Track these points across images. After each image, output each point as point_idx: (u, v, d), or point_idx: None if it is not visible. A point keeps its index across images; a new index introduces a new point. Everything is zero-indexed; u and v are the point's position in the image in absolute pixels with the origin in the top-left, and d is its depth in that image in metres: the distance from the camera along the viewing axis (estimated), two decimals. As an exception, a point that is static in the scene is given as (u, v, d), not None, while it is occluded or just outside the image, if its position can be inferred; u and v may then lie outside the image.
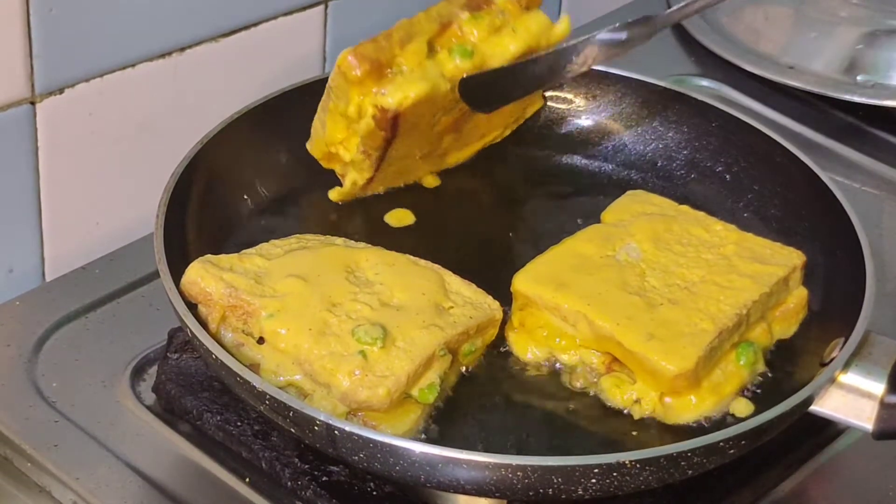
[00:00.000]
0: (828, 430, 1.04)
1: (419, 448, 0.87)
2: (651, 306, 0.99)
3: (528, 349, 1.02)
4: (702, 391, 0.98)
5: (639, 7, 1.56)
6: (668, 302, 0.99)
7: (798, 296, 1.05)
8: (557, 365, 1.01)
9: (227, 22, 1.22)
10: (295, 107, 1.16)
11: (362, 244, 1.04)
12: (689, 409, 0.98)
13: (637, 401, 0.98)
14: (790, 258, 1.04)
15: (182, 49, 1.19)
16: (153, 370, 1.06)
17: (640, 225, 1.06)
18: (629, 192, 1.12)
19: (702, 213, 1.09)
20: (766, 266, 1.03)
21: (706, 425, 0.97)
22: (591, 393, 1.00)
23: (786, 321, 1.04)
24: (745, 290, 1.01)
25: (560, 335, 1.01)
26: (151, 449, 1.00)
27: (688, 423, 0.97)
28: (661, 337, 0.97)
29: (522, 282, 1.02)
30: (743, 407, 0.98)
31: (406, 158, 1.13)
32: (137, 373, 1.06)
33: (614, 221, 1.08)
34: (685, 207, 1.09)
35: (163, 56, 1.18)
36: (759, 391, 1.00)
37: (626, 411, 0.98)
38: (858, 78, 1.39)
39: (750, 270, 1.02)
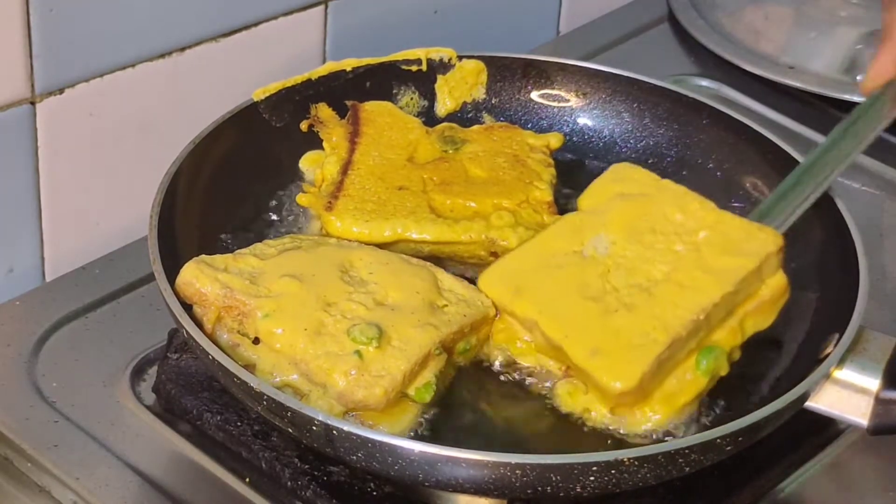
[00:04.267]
0: (828, 429, 1.04)
1: (418, 447, 0.87)
2: (605, 313, 0.97)
3: (494, 352, 1.01)
4: (653, 403, 0.96)
5: (639, 7, 1.57)
6: (624, 308, 0.97)
7: (774, 285, 1.01)
8: (516, 374, 1.01)
9: (227, 22, 1.22)
10: (290, 105, 1.16)
11: (356, 243, 1.04)
12: (640, 421, 0.96)
13: (587, 410, 0.97)
14: (765, 244, 1.00)
15: (182, 49, 1.19)
16: (153, 370, 1.06)
17: (614, 213, 1.03)
18: (613, 167, 1.08)
19: (682, 189, 1.05)
20: (735, 258, 0.99)
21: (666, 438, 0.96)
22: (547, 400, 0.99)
23: (761, 313, 1.01)
24: (706, 291, 0.97)
25: (520, 339, 1.00)
26: (151, 449, 1.00)
27: (641, 435, 0.96)
28: (606, 351, 0.94)
29: (485, 283, 1.01)
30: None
31: (385, 180, 1.12)
32: (137, 373, 1.07)
33: (590, 207, 1.05)
34: (666, 182, 1.06)
35: (163, 56, 1.18)
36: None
37: (578, 420, 0.97)
38: (858, 78, 1.39)
39: (718, 264, 0.99)
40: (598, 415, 0.97)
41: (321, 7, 1.29)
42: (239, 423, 1.00)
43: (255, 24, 1.24)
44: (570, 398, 0.98)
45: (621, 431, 0.96)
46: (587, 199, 1.06)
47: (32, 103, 1.11)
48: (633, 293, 0.98)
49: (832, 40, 1.44)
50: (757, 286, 1.00)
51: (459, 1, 1.42)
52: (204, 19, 1.20)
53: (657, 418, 0.96)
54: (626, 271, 1.00)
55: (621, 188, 1.06)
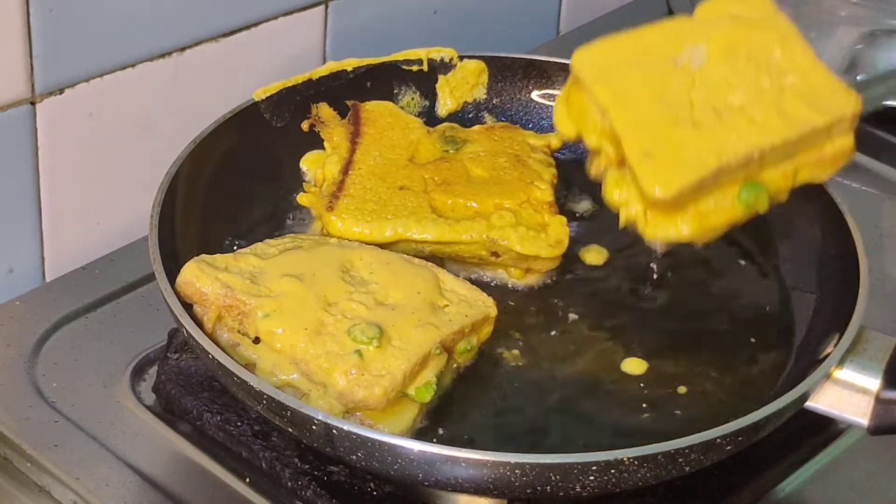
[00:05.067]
0: (828, 429, 1.04)
1: (417, 446, 0.87)
2: (672, 122, 1.00)
3: (562, 122, 1.05)
4: (686, 215, 0.99)
5: (639, 7, 1.57)
6: (691, 123, 1.00)
7: (840, 144, 1.03)
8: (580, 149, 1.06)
9: (227, 22, 1.22)
10: (291, 105, 1.16)
11: (356, 243, 1.04)
12: (667, 228, 1.00)
13: (626, 204, 1.01)
14: (844, 105, 1.02)
15: (182, 49, 1.19)
16: (153, 370, 1.06)
17: (720, 30, 1.05)
18: None
19: (792, 29, 1.06)
20: (811, 110, 1.01)
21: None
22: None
23: (819, 167, 1.03)
24: (770, 132, 1.00)
25: (590, 118, 1.03)
26: (151, 449, 1.00)
27: (663, 241, 1.01)
28: (657, 157, 0.98)
29: (577, 58, 1.04)
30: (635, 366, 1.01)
31: (386, 180, 1.12)
32: (137, 373, 1.07)
33: (704, 17, 1.07)
34: (781, 16, 1.07)
35: (163, 56, 1.18)
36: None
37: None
38: (858, 78, 1.39)
39: (792, 110, 1.01)
40: (635, 211, 1.01)
41: (321, 7, 1.29)
42: (239, 424, 1.00)
43: (255, 24, 1.24)
44: (614, 186, 1.02)
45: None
46: (704, 9, 1.08)
47: (32, 103, 1.11)
48: (706, 112, 1.00)
49: (832, 40, 1.44)
50: (823, 141, 1.02)
51: (459, 1, 1.42)
52: (204, 19, 1.20)
53: (685, 231, 1.00)
54: (709, 89, 1.02)
55: (738, 9, 1.07)
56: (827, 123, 1.01)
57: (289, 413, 0.89)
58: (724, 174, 0.99)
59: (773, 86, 1.03)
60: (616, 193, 1.02)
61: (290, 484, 0.97)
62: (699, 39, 1.05)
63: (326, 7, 1.29)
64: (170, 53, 1.18)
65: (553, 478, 0.87)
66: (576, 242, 1.12)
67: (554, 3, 1.54)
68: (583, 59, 1.04)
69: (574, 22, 1.56)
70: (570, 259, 1.11)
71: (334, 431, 0.88)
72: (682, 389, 1.01)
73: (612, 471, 0.87)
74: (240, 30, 1.23)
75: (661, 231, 1.00)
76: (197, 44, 1.20)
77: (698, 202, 0.99)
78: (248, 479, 0.98)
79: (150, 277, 1.12)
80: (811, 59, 1.05)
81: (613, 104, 1.01)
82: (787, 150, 1.01)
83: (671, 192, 0.97)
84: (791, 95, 1.02)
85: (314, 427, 0.89)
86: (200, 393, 1.02)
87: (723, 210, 1.00)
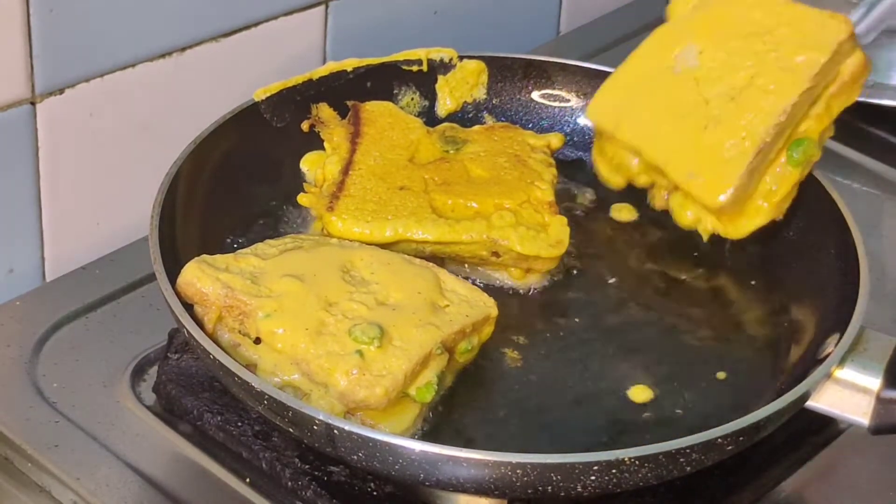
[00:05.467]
0: (828, 429, 1.04)
1: (419, 447, 0.87)
2: (697, 130, 1.04)
3: (608, 174, 1.13)
4: (755, 202, 1.05)
5: (639, 7, 1.56)
6: (713, 121, 1.04)
7: (853, 63, 1.06)
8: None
9: (227, 22, 1.22)
10: (291, 105, 1.16)
11: (357, 243, 1.04)
12: (746, 223, 1.07)
13: (699, 220, 1.08)
14: (836, 31, 1.04)
15: (182, 49, 1.19)
16: (153, 370, 1.06)
17: (698, 21, 1.09)
18: None
19: None
20: (810, 51, 1.04)
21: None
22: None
23: (845, 93, 1.07)
24: (785, 91, 1.03)
25: (630, 161, 1.10)
26: (151, 449, 1.00)
27: (749, 233, 1.07)
28: (701, 171, 1.03)
29: (591, 113, 1.11)
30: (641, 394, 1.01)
31: (386, 181, 1.12)
32: (137, 373, 1.06)
33: (677, 17, 1.11)
34: None
35: (163, 56, 1.18)
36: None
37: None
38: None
39: (795, 62, 1.04)
40: (711, 224, 1.08)
41: (321, 7, 1.29)
42: (239, 424, 1.00)
43: (255, 24, 1.24)
44: (682, 210, 1.09)
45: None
46: (673, 8, 1.12)
47: (32, 103, 1.11)
48: (721, 103, 1.05)
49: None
50: (836, 70, 1.05)
51: (459, 1, 1.42)
52: (204, 19, 1.20)
53: (762, 217, 1.07)
54: (714, 80, 1.06)
55: None
56: (829, 56, 1.04)
57: (290, 413, 0.89)
58: (766, 151, 1.02)
59: (769, 47, 1.06)
60: (687, 215, 1.08)
61: (290, 484, 0.97)
62: (684, 40, 1.08)
63: (326, 7, 1.29)
64: (170, 53, 1.18)
65: (554, 478, 0.87)
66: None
67: (554, 3, 1.54)
68: (596, 112, 1.10)
69: (574, 22, 1.56)
70: (569, 258, 1.11)
71: (336, 432, 0.88)
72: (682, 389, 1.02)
73: (614, 471, 0.87)
74: (240, 30, 1.23)
75: (743, 228, 1.07)
76: (197, 44, 1.20)
77: (759, 185, 1.04)
78: (248, 480, 0.98)
79: (151, 277, 1.12)
80: (788, 4, 1.08)
81: (641, 143, 1.07)
82: (809, 99, 1.04)
83: (728, 196, 1.03)
84: (787, 48, 1.05)
85: (315, 427, 0.89)
86: (201, 393, 1.02)
87: (784, 179, 1.05)
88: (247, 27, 1.23)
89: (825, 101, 1.06)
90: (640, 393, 1.01)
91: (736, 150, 1.03)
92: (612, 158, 1.12)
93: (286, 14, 1.26)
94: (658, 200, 1.11)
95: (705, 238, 1.09)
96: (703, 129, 1.04)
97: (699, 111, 1.05)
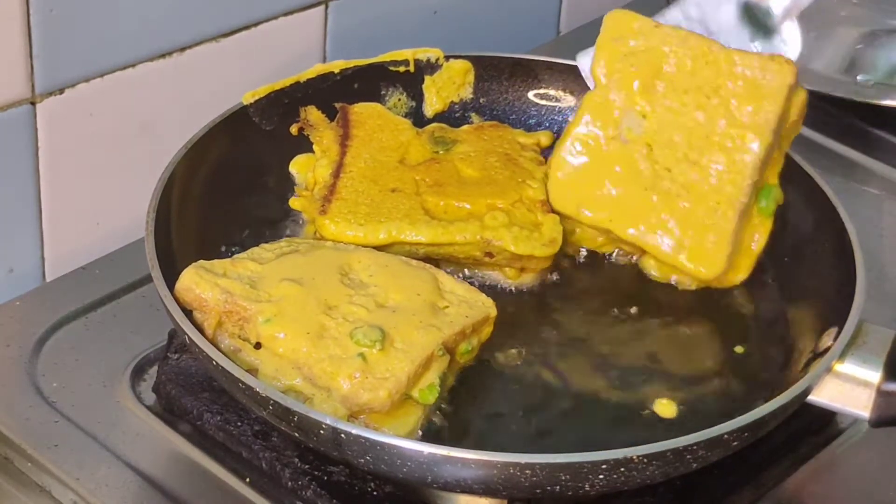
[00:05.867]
0: (828, 428, 1.04)
1: (428, 449, 0.87)
2: (668, 200, 1.02)
3: (597, 245, 1.11)
4: (737, 264, 1.05)
5: (639, 7, 1.56)
6: (683, 189, 1.02)
7: (799, 102, 1.05)
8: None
9: (227, 22, 1.22)
10: (280, 108, 1.16)
11: (352, 246, 1.04)
12: (731, 278, 1.06)
13: (684, 283, 1.07)
14: (782, 74, 1.02)
15: (182, 49, 1.19)
16: (153, 370, 1.06)
17: (628, 84, 1.05)
18: (607, 18, 1.08)
19: (683, 33, 1.06)
20: (762, 101, 1.02)
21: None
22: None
23: (794, 130, 1.06)
24: (748, 148, 1.01)
25: (594, 238, 1.09)
26: (151, 449, 1.00)
27: (736, 284, 1.07)
28: (686, 245, 1.02)
29: (554, 202, 1.08)
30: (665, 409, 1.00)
31: (377, 183, 1.12)
32: (137, 373, 1.06)
33: (608, 77, 1.06)
34: (666, 29, 1.06)
35: (163, 56, 1.18)
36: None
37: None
38: (858, 78, 1.39)
39: (749, 115, 1.02)
40: (695, 286, 1.07)
41: (321, 7, 1.29)
42: (239, 424, 1.00)
43: (255, 24, 1.24)
44: (658, 272, 1.08)
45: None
46: (598, 65, 1.07)
47: (32, 103, 1.11)
48: (684, 169, 1.02)
49: (832, 40, 1.44)
50: (787, 113, 1.04)
51: (459, 1, 1.42)
52: (204, 19, 1.20)
53: (745, 271, 1.06)
54: (667, 145, 1.03)
55: (625, 47, 1.06)
56: (783, 104, 1.02)
57: (295, 418, 0.89)
58: (745, 211, 1.01)
59: (714, 101, 1.03)
60: (671, 279, 1.07)
61: (290, 484, 0.97)
62: (624, 106, 1.05)
63: (326, 7, 1.29)
64: (170, 53, 1.18)
65: (563, 477, 0.87)
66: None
67: (554, 3, 1.54)
68: (557, 200, 1.07)
69: (574, 22, 1.56)
70: (563, 257, 1.11)
71: (343, 436, 0.88)
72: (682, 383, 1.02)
73: (622, 469, 0.87)
74: (240, 30, 1.23)
75: (729, 281, 1.06)
76: (197, 44, 1.20)
77: (740, 243, 1.03)
78: (248, 479, 0.98)
79: (150, 278, 1.11)
80: (724, 50, 1.05)
81: (611, 223, 1.04)
82: (771, 149, 1.03)
83: (721, 266, 1.02)
84: (738, 102, 1.03)
85: (322, 432, 0.88)
86: (200, 393, 1.02)
87: (760, 230, 1.03)
88: (247, 27, 1.23)
89: (779, 145, 1.05)
90: (640, 392, 1.01)
91: (716, 216, 1.01)
92: (591, 232, 1.10)
93: (286, 14, 1.26)
94: (624, 259, 1.10)
95: (695, 289, 1.08)
96: (675, 197, 1.02)
97: (663, 181, 1.03)
